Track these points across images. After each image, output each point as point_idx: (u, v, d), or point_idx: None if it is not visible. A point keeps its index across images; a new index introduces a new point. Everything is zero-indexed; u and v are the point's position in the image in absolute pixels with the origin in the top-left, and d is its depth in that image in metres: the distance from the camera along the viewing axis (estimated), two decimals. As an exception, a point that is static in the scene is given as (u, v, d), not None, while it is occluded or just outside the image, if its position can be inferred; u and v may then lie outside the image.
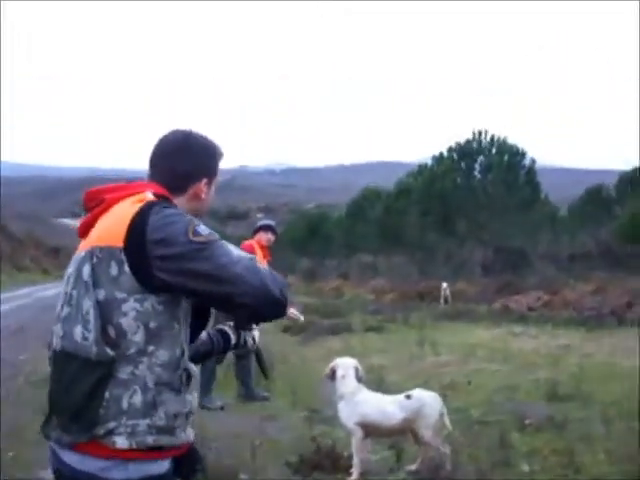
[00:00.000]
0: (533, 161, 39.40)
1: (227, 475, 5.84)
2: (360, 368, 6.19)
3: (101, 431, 2.19)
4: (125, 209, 2.28)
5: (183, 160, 2.48)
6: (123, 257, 2.20)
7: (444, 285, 26.70)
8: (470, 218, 37.61)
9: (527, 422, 7.52)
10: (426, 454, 6.00)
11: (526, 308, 21.31)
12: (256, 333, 2.86)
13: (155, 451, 2.25)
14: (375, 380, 8.98)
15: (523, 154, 39.06)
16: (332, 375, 6.19)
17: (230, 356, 9.20)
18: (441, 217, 38.54)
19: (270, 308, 2.25)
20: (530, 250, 37.37)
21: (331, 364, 6.26)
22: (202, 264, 2.18)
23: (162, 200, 2.35)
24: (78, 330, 2.20)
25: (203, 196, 2.51)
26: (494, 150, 38.76)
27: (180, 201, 2.44)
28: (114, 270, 2.20)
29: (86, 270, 2.24)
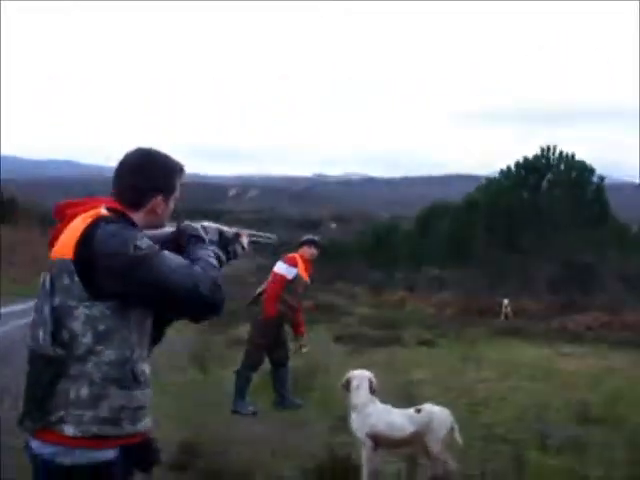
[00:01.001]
0: (602, 178, 38.92)
1: (243, 477, 6.14)
2: (374, 380, 6.39)
3: (53, 419, 2.50)
4: (78, 224, 2.57)
5: (140, 178, 2.72)
6: (73, 268, 2.49)
7: (505, 301, 26.59)
8: (536, 234, 37.24)
9: (549, 442, 7.59)
10: (435, 468, 6.16)
11: (584, 328, 21.10)
12: (244, 240, 3.02)
13: (100, 439, 2.52)
14: (409, 394, 9.15)
15: (592, 170, 38.57)
16: (347, 386, 6.41)
17: (267, 364, 9.51)
18: (507, 232, 38.27)
19: (203, 310, 2.58)
20: (599, 268, 36.76)
21: (347, 375, 6.49)
22: (143, 274, 2.47)
23: (114, 215, 2.60)
24: (40, 333, 2.53)
25: (159, 211, 2.76)
26: (562, 166, 38.42)
27: (138, 216, 2.69)
28: (66, 280, 2.50)
29: (47, 280, 2.56)
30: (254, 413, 8.96)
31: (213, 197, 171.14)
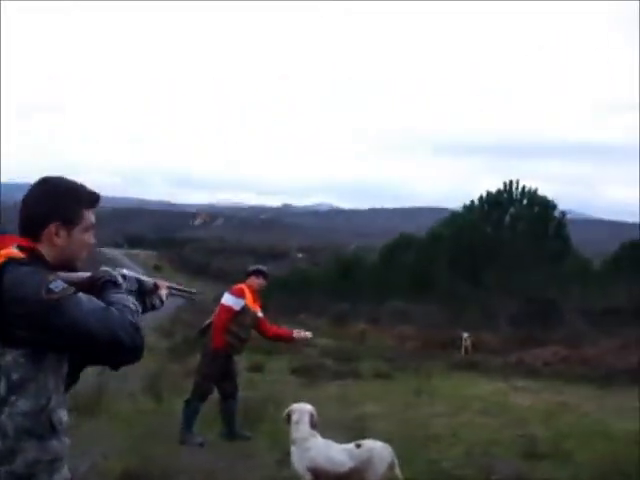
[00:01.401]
0: (563, 213, 39.43)
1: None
2: (315, 414, 6.39)
3: None
4: None
5: (34, 206, 2.55)
6: None
7: (465, 335, 26.70)
8: (498, 268, 37.53)
9: (493, 478, 7.62)
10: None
11: (542, 362, 21.21)
12: (163, 292, 2.92)
13: None
14: (360, 427, 9.14)
15: (554, 206, 39.07)
16: (288, 419, 6.40)
17: (216, 395, 9.44)
18: (470, 266, 38.53)
19: (122, 355, 2.43)
20: (561, 303, 37.04)
21: (288, 408, 6.48)
22: (55, 320, 2.31)
23: (27, 254, 2.44)
24: None
25: (57, 242, 2.55)
26: (525, 201, 38.89)
27: (43, 249, 2.52)
28: None
29: None
30: (201, 444, 8.87)
31: (179, 225, 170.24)
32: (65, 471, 2.54)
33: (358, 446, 6.20)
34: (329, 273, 55.60)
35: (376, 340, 31.07)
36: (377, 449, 6.19)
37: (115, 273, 2.67)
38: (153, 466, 7.14)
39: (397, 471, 6.19)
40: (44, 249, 2.53)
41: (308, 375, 15.79)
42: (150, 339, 15.45)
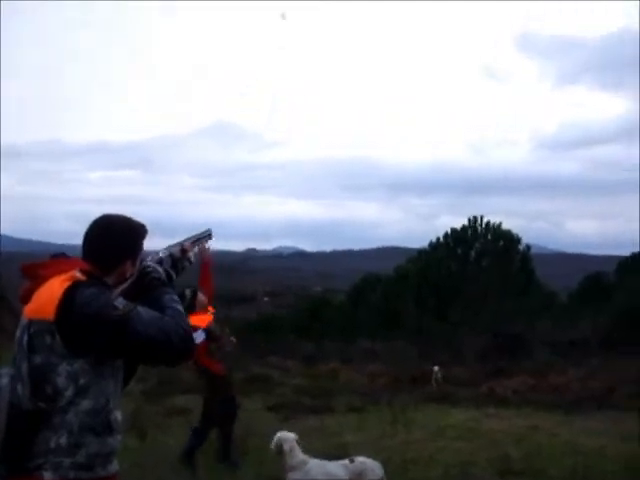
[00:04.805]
0: (528, 247, 40.10)
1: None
2: (299, 441, 6.82)
3: (31, 466, 2.77)
4: (54, 287, 2.84)
5: (109, 246, 3.03)
6: (54, 329, 2.77)
7: (435, 369, 27.04)
8: (465, 304, 38.04)
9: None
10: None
11: (511, 392, 21.62)
12: (191, 254, 3.39)
13: None
14: (342, 455, 9.47)
15: (518, 240, 39.75)
16: (279, 449, 6.80)
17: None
18: (437, 303, 38.99)
19: (176, 358, 2.91)
20: (528, 335, 37.58)
21: (275, 439, 6.88)
22: (121, 333, 2.76)
23: (89, 278, 2.90)
24: (19, 387, 2.82)
25: (128, 274, 3.06)
26: (489, 236, 39.51)
27: (109, 279, 3.00)
28: (48, 340, 2.78)
29: (25, 338, 2.84)
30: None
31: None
32: (115, 463, 2.98)
33: (351, 461, 6.66)
34: (297, 315, 55.78)
35: (347, 378, 31.25)
36: (368, 463, 6.64)
37: (155, 266, 3.13)
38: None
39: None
40: (109, 278, 3.01)
41: (284, 411, 16.04)
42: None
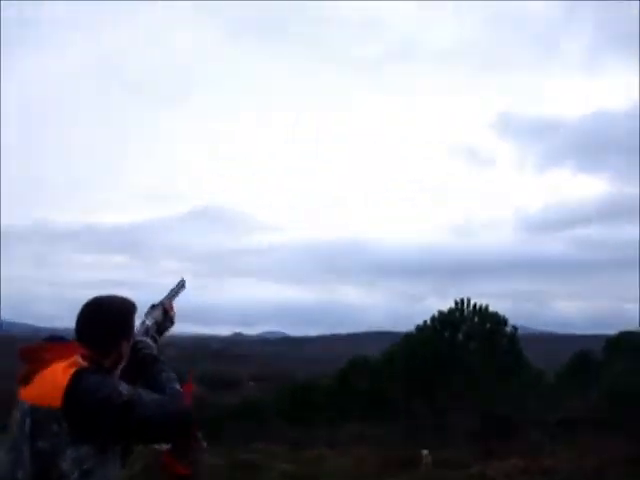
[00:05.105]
0: (515, 328, 39.98)
1: None
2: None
3: None
4: (57, 373, 2.84)
5: (103, 332, 3.04)
6: (61, 416, 2.76)
7: (425, 452, 26.62)
8: (453, 386, 37.71)
9: None
10: None
11: (503, 475, 21.27)
12: (172, 313, 3.47)
13: None
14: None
15: (505, 322, 39.63)
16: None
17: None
18: (424, 386, 38.64)
19: (174, 435, 2.99)
20: (517, 416, 37.21)
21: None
22: (126, 418, 2.80)
23: (91, 363, 2.91)
24: (20, 473, 2.80)
25: (124, 354, 3.11)
26: (476, 319, 39.41)
27: (107, 360, 3.02)
28: (55, 427, 2.77)
29: (27, 423, 2.81)
30: None
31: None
32: None
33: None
34: (283, 399, 55.14)
35: (334, 463, 30.71)
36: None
37: (147, 340, 3.26)
38: None
39: None
40: (108, 360, 3.05)
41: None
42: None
